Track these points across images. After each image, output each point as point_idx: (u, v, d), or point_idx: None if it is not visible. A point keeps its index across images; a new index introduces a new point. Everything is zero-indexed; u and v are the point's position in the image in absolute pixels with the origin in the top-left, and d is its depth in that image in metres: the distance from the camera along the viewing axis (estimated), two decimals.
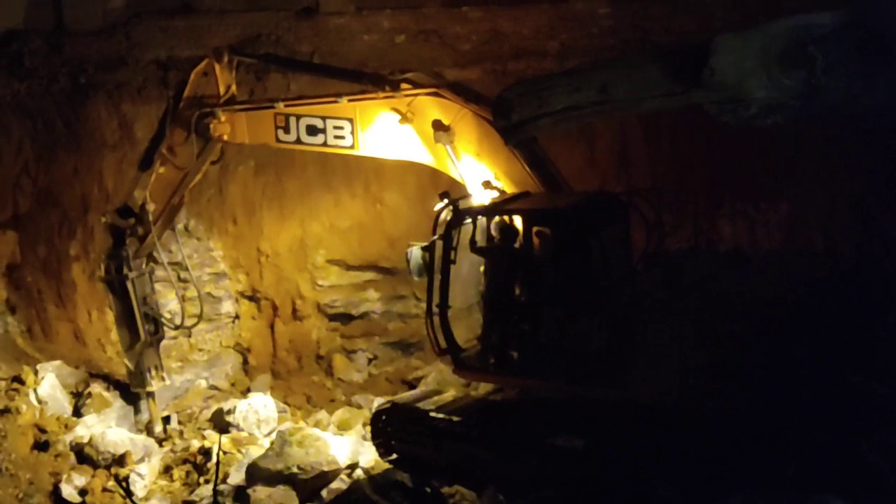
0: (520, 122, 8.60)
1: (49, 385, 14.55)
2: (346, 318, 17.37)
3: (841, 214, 14.92)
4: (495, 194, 11.47)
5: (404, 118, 12.04)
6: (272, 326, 17.33)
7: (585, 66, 8.50)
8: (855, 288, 10.74)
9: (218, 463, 12.30)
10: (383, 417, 12.26)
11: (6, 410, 13.71)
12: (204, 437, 14.22)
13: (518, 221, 11.00)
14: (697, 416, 9.62)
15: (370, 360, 17.19)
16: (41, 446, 13.53)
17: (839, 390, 9.69)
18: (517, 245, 10.96)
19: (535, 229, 10.74)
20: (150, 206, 13.80)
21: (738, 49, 7.65)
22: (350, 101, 12.46)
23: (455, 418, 11.54)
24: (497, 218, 11.12)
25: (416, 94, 12.04)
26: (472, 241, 11.13)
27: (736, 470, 9.22)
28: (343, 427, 14.31)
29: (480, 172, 11.71)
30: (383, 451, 12.24)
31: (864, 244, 14.42)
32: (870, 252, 14.23)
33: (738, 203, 15.97)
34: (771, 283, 10.65)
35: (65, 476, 13.05)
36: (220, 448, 12.86)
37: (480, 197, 11.58)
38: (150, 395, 14.61)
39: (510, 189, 11.51)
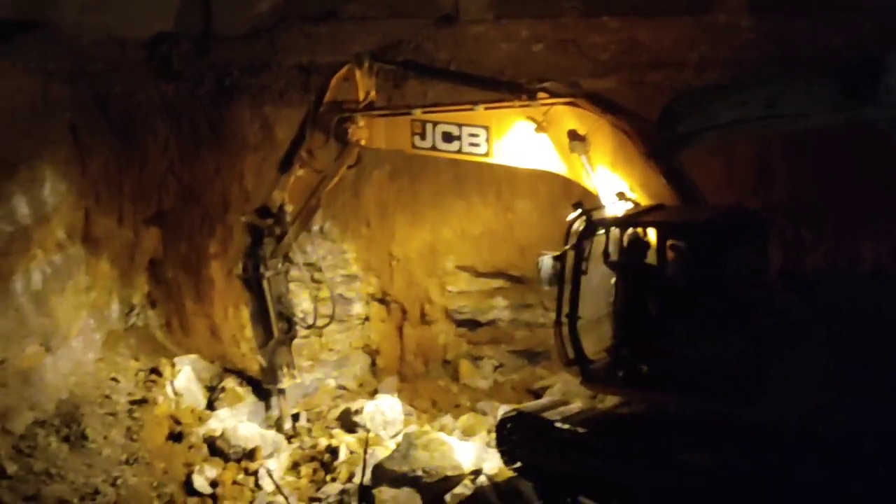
0: (686, 134, 8.43)
1: (185, 378, 15.02)
2: (473, 324, 17.46)
3: None
4: (629, 206, 11.35)
5: (540, 127, 12.03)
6: (401, 329, 17.52)
7: (753, 80, 8.25)
8: None
9: (365, 459, 12.35)
10: (508, 425, 12.23)
11: (144, 401, 14.22)
12: (331, 436, 14.45)
13: (652, 234, 10.85)
14: (833, 437, 9.33)
15: (496, 368, 17.23)
16: (175, 437, 13.99)
17: None
18: (651, 258, 10.82)
19: (669, 242, 10.58)
20: (288, 208, 14.16)
21: None
22: (486, 108, 12.53)
23: (581, 430, 11.44)
24: (631, 230, 11.00)
25: (552, 104, 12.02)
26: (605, 253, 11.03)
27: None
28: (468, 433, 14.36)
29: (614, 183, 11.60)
30: (507, 458, 12.21)
31: None
32: None
33: (882, 222, 15.41)
34: None
35: (197, 467, 13.44)
36: (367, 443, 12.90)
37: (614, 208, 11.47)
38: (281, 392, 14.95)
39: (644, 201, 11.35)
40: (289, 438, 14.68)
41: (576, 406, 12.38)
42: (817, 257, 13.71)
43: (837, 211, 13.75)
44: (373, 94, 13.76)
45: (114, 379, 14.56)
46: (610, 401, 12.63)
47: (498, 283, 17.39)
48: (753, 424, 9.83)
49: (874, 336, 9.61)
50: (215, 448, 13.95)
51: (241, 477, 13.57)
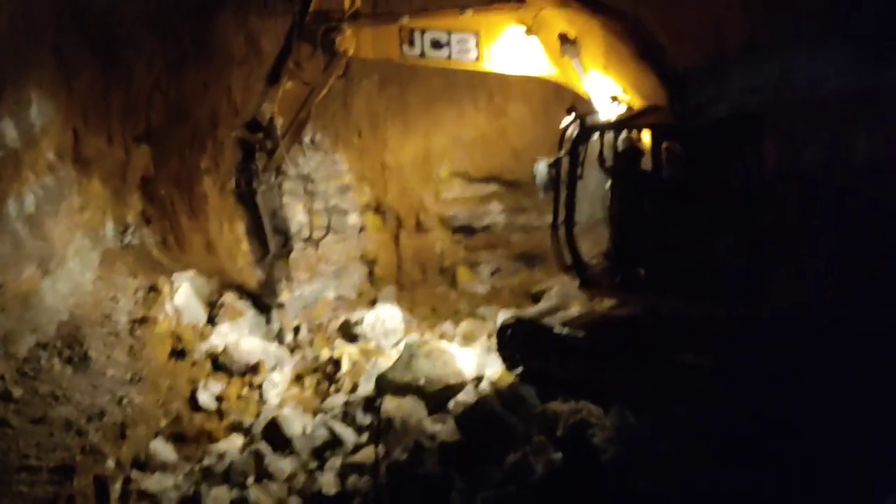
0: (697, 106, 8.25)
1: (184, 294, 15.01)
2: (469, 230, 17.49)
3: None
4: (623, 109, 11.26)
5: (530, 31, 11.88)
6: (397, 238, 17.55)
7: (765, 46, 8.05)
8: None
9: None
10: (508, 332, 12.35)
11: (144, 319, 14.24)
12: (333, 348, 14.57)
13: (647, 137, 10.79)
14: (836, 331, 9.38)
15: (493, 273, 17.29)
16: (178, 354, 14.06)
17: None
18: (646, 161, 10.77)
19: (665, 145, 10.52)
20: (278, 120, 14.00)
21: None
22: (475, 13, 12.33)
23: (580, 334, 11.56)
24: (625, 133, 10.93)
25: (542, 6, 11.83)
26: (601, 158, 10.99)
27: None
28: (468, 339, 14.48)
29: (608, 86, 11.49)
30: (509, 364, 12.36)
31: None
32: None
33: (876, 110, 15.25)
34: None
35: (201, 383, 13.60)
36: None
37: (607, 112, 11.38)
38: (281, 305, 15.04)
39: (638, 103, 11.26)
40: (291, 351, 14.81)
41: (574, 310, 12.47)
42: (813, 152, 13.61)
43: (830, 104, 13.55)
44: (358, 2, 13.47)
45: (113, 298, 14.56)
46: (608, 303, 12.70)
47: (492, 187, 17.36)
48: (753, 324, 9.90)
49: (870, 231, 9.60)
50: (218, 363, 14.06)
51: (245, 391, 13.74)
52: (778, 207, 10.21)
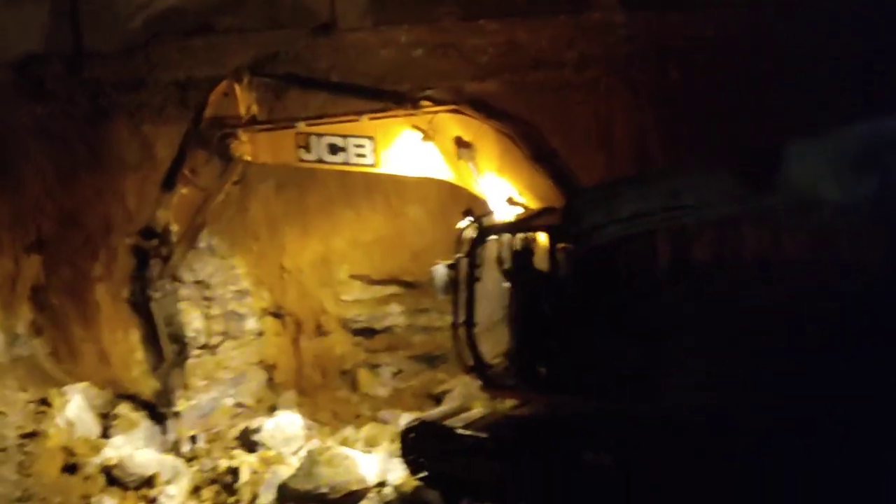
0: (589, 229, 8.54)
1: (76, 407, 14.57)
2: (369, 332, 17.40)
3: (868, 224, 14.74)
4: (519, 210, 11.43)
5: (426, 136, 12.02)
6: (296, 342, 17.37)
7: (654, 173, 8.45)
8: (885, 300, 10.64)
9: None
10: (411, 435, 12.22)
11: (35, 433, 13.76)
12: (232, 457, 14.22)
13: (543, 237, 10.94)
14: (730, 432, 9.54)
15: (395, 374, 17.20)
16: (70, 469, 13.57)
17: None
18: (542, 262, 10.91)
19: (559, 246, 10.68)
20: (174, 227, 13.86)
21: (811, 155, 7.57)
22: (371, 119, 12.46)
23: (483, 435, 11.50)
24: (521, 234, 11.07)
25: (436, 112, 12.02)
26: (499, 259, 11.09)
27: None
28: (371, 443, 14.29)
29: (503, 188, 11.65)
30: (413, 468, 12.21)
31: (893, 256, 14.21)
32: None
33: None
34: (799, 294, 10.58)
35: (95, 499, 13.13)
36: None
37: (504, 213, 11.54)
38: (177, 414, 14.63)
39: (534, 204, 11.43)
40: (188, 462, 14.37)
41: (477, 411, 12.40)
42: (702, 249, 13.99)
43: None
44: (254, 108, 13.54)
45: (1, 413, 14.06)
46: (511, 403, 12.72)
47: (392, 289, 17.37)
48: (649, 422, 10.00)
49: (763, 327, 9.84)
50: (113, 477, 13.57)
51: None
52: (669, 306, 10.42)
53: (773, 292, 10.63)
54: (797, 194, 7.60)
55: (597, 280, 10.54)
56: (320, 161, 12.93)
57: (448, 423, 11.98)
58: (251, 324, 17.12)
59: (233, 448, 14.69)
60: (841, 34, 14.38)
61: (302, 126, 12.86)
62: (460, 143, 11.72)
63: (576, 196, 8.92)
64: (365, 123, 12.45)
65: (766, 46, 15.19)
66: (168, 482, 13.59)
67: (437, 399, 15.67)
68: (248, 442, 14.64)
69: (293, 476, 12.63)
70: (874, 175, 7.29)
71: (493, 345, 11.65)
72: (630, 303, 10.37)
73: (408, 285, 17.13)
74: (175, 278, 14.41)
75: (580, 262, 10.52)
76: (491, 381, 11.43)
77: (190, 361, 15.03)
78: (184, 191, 13.71)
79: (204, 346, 14.98)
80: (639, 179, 8.45)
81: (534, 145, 11.63)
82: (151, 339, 14.28)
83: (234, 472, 13.68)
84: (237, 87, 13.38)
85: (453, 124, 11.87)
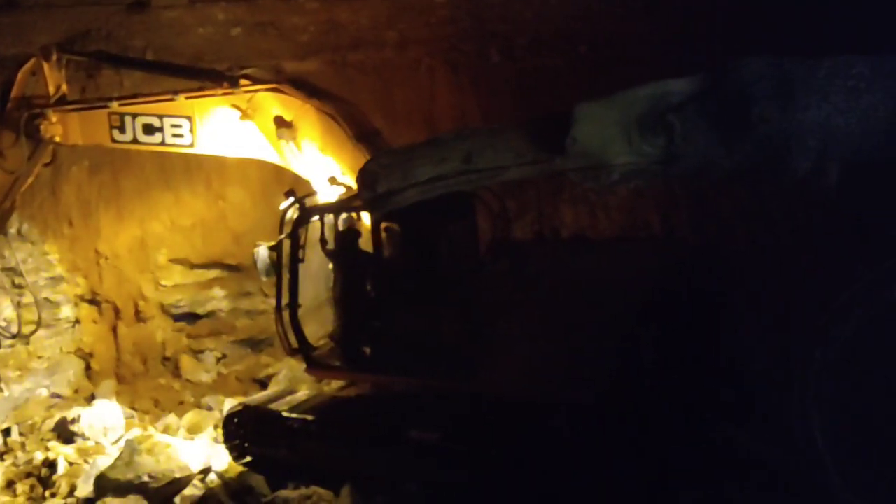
0: (386, 194, 8.54)
1: None
2: (191, 317, 17.01)
3: (678, 197, 15.33)
4: (342, 190, 11.40)
5: (245, 115, 11.88)
6: (115, 330, 16.79)
7: (449, 136, 8.43)
8: (696, 270, 11.13)
9: None
10: (235, 420, 12.07)
11: None
12: (48, 449, 13.68)
13: (366, 217, 10.96)
14: (548, 408, 9.79)
15: (219, 360, 16.87)
16: None
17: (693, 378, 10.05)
18: (365, 241, 10.94)
19: (382, 225, 10.73)
20: None
21: (599, 117, 7.68)
22: (188, 98, 12.20)
23: (309, 417, 11.47)
24: (344, 214, 11.06)
25: (255, 91, 11.88)
26: (322, 240, 11.05)
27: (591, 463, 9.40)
28: (193, 430, 14.01)
29: (326, 168, 11.62)
30: (237, 454, 12.06)
31: (700, 226, 14.84)
32: (706, 234, 14.65)
33: (578, 187, 16.22)
34: (614, 268, 10.94)
35: None
36: None
37: (327, 193, 11.49)
38: None
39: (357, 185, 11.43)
40: (1, 456, 13.82)
41: (302, 394, 12.38)
42: (523, 227, 14.29)
43: (538, 180, 14.31)
44: (64, 87, 13.02)
45: None
46: (335, 384, 12.71)
47: (214, 273, 17.03)
48: (472, 399, 10.18)
49: (581, 303, 10.13)
50: None
51: None
52: (491, 284, 10.61)
53: (588, 268, 10.96)
54: (588, 157, 7.76)
55: (418, 259, 10.64)
56: (135, 142, 12.58)
57: (273, 406, 11.91)
58: (66, 311, 16.45)
59: (49, 440, 14.14)
60: (657, 15, 14.82)
61: (115, 106, 12.47)
62: (281, 123, 11.63)
63: (371, 161, 8.93)
64: (182, 103, 12.18)
65: (583, 30, 15.55)
66: None
67: (263, 383, 15.50)
68: (65, 433, 14.12)
69: (112, 466, 12.23)
70: (661, 137, 7.52)
71: (318, 326, 11.63)
72: (451, 281, 10.50)
73: (231, 268, 16.85)
74: None
75: (402, 241, 10.61)
76: (316, 362, 11.40)
77: (1, 352, 14.54)
78: None
79: (16, 336, 14.31)
80: (433, 142, 8.45)
81: (356, 125, 11.65)
82: None
83: (50, 464, 13.18)
84: (45, 66, 12.83)
85: (273, 103, 11.76)
